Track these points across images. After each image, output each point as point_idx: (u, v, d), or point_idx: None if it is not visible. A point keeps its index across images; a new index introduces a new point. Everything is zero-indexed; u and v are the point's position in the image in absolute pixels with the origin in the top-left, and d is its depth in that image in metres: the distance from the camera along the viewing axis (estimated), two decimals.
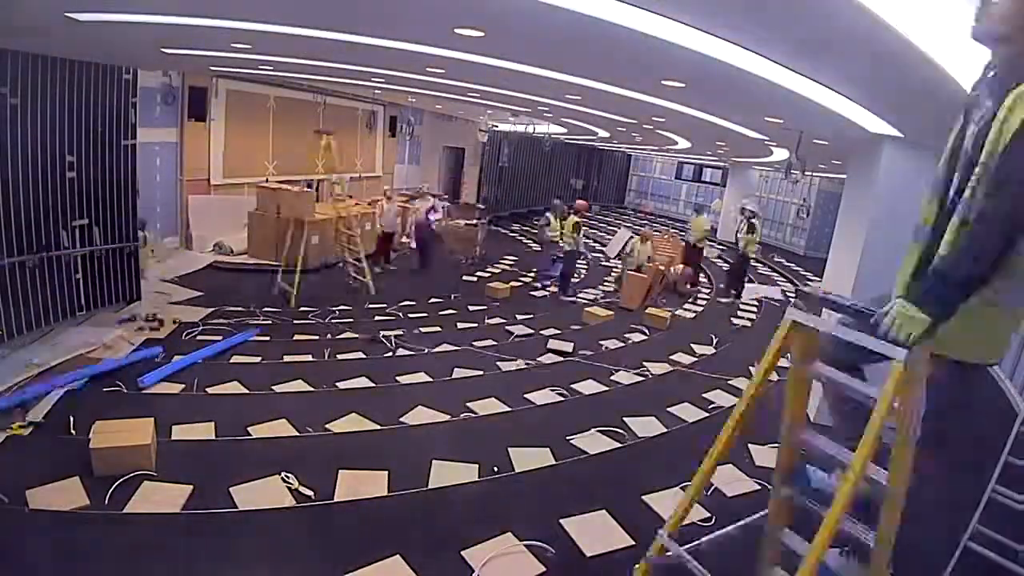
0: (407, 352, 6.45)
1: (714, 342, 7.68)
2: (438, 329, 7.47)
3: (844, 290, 5.21)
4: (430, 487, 3.76)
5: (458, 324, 7.84)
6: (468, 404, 5.05)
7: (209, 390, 5.01)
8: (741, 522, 2.37)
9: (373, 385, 5.44)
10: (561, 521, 3.47)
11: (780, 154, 9.88)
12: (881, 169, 4.79)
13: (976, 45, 1.68)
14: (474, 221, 13.05)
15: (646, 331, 8.00)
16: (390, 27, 3.71)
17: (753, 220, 10.12)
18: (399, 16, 3.30)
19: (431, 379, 5.68)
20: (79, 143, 6.13)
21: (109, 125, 6.49)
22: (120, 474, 3.51)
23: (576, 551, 3.26)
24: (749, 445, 4.75)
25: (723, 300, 10.45)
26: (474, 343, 6.90)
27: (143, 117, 7.35)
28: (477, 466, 4.03)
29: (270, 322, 7.26)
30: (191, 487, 3.48)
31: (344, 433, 4.41)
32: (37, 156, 5.65)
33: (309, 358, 6.05)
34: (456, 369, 5.96)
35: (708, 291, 11.42)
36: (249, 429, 4.34)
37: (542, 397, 5.40)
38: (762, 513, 2.18)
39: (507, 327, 7.76)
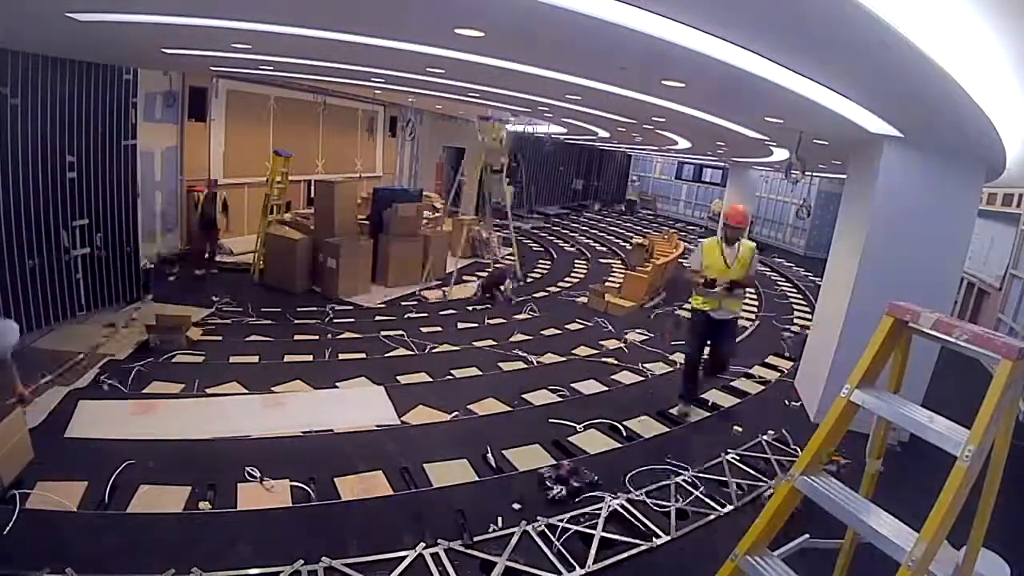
0: (407, 352, 6.45)
1: None
2: (438, 329, 7.47)
3: (844, 290, 5.21)
4: (430, 487, 3.77)
5: (458, 324, 7.84)
6: (469, 405, 5.05)
7: (208, 390, 5.00)
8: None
9: (373, 385, 5.43)
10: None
11: (780, 154, 9.87)
12: (881, 169, 4.79)
13: (974, 44, 1.67)
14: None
15: (647, 330, 8.00)
16: (390, 27, 3.72)
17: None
18: (399, 16, 3.30)
19: (431, 379, 5.69)
20: (79, 143, 6.12)
21: (109, 125, 6.49)
22: None
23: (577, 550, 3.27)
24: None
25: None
26: (474, 343, 6.90)
27: (143, 118, 7.34)
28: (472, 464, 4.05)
29: (270, 322, 7.26)
30: (188, 487, 3.48)
31: (344, 433, 4.41)
32: (37, 156, 5.65)
33: (309, 358, 6.05)
34: (456, 369, 5.96)
35: None
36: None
37: (542, 397, 5.40)
38: None
39: (507, 327, 7.75)
